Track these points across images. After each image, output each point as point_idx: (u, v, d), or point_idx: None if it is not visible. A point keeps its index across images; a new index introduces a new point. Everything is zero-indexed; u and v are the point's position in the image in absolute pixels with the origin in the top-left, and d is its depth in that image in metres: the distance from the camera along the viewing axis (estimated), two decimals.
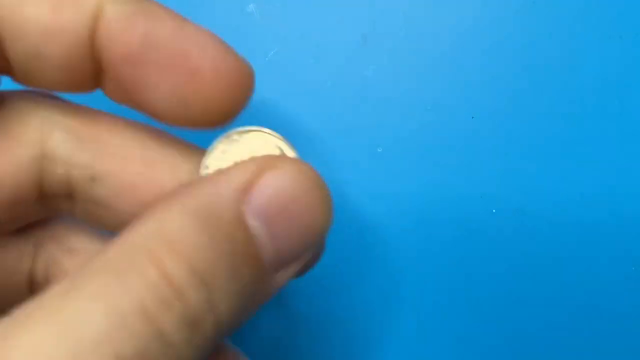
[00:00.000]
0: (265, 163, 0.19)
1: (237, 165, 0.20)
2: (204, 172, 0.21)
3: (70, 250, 0.24)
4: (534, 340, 0.30)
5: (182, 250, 0.17)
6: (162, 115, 0.21)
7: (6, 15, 0.19)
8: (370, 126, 0.31)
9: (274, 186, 0.19)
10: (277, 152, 0.21)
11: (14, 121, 0.22)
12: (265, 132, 0.22)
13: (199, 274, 0.17)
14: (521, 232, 0.30)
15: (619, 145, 0.30)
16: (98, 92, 0.22)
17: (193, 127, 0.21)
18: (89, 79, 0.21)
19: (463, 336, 0.30)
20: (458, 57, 0.31)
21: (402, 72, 0.31)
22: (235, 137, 0.21)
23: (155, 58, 0.20)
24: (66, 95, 0.23)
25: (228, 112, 0.21)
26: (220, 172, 0.19)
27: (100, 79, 0.21)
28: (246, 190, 0.19)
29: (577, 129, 0.31)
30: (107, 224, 0.23)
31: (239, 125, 0.22)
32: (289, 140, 0.21)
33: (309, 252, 0.20)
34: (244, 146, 0.21)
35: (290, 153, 0.21)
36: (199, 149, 0.22)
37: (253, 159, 0.20)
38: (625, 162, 0.30)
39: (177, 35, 0.20)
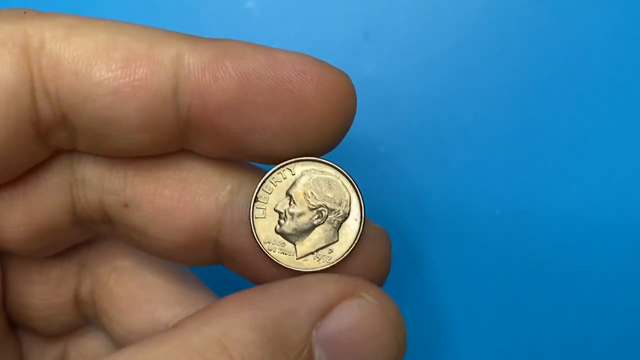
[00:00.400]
0: (347, 288, 0.18)
1: (317, 280, 0.19)
2: (251, 209, 0.20)
3: (115, 269, 0.25)
4: (533, 341, 0.30)
5: None
6: (269, 154, 0.20)
7: (70, 81, 0.18)
8: (372, 125, 0.31)
9: (351, 319, 0.18)
10: (338, 199, 0.20)
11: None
12: (322, 163, 0.20)
13: None
14: (524, 232, 0.30)
15: (625, 144, 0.30)
16: None
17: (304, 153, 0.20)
18: (172, 138, 0.20)
19: (461, 336, 0.30)
20: (460, 55, 0.31)
21: (403, 70, 0.31)
22: (290, 168, 0.20)
23: (256, 97, 0.19)
24: None
25: (340, 132, 0.20)
26: (297, 285, 0.18)
27: (187, 136, 0.20)
28: (321, 315, 0.18)
29: (578, 129, 0.30)
30: (147, 248, 0.22)
31: None
32: (349, 175, 0.20)
33: None
34: (302, 180, 0.20)
35: (354, 201, 0.20)
36: (238, 167, 0.22)
37: (335, 278, 0.19)
38: (631, 162, 0.30)
39: (271, 66, 0.18)
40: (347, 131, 0.20)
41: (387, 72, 0.31)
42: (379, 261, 0.21)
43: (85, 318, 0.26)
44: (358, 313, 0.18)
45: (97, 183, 0.21)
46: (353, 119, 0.20)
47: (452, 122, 0.31)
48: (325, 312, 0.18)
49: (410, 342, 0.20)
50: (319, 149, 0.20)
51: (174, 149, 0.21)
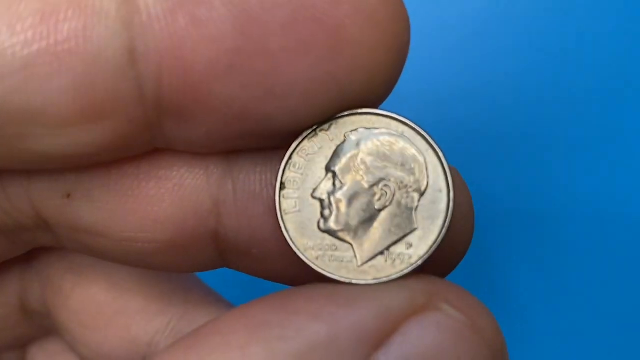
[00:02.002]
0: (417, 297, 0.12)
1: (371, 288, 0.12)
2: (277, 199, 0.13)
3: (71, 268, 0.18)
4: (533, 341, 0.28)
5: None
6: (297, 127, 0.13)
7: None
8: None
9: (424, 344, 0.11)
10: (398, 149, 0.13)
11: None
12: (374, 116, 0.13)
13: None
14: (527, 232, 0.29)
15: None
16: None
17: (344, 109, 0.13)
18: (136, 132, 0.13)
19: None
20: (461, 54, 0.29)
21: (404, 69, 0.30)
22: (326, 130, 0.13)
23: (266, 41, 0.12)
24: None
25: (395, 71, 0.13)
26: (339, 297, 0.12)
27: (160, 126, 0.13)
28: (377, 342, 0.11)
29: (578, 129, 0.29)
30: (112, 256, 0.15)
31: None
32: (420, 127, 0.13)
33: None
34: (348, 146, 0.13)
35: (432, 165, 0.13)
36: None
37: (399, 284, 0.12)
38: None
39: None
40: (402, 70, 0.13)
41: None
42: (463, 240, 0.15)
43: (44, 329, 0.19)
44: (436, 336, 0.11)
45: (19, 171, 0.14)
46: (409, 49, 0.13)
47: (452, 121, 0.29)
48: (383, 338, 0.11)
49: None
50: (368, 101, 0.13)
51: (141, 150, 0.13)
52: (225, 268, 0.16)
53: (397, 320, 0.11)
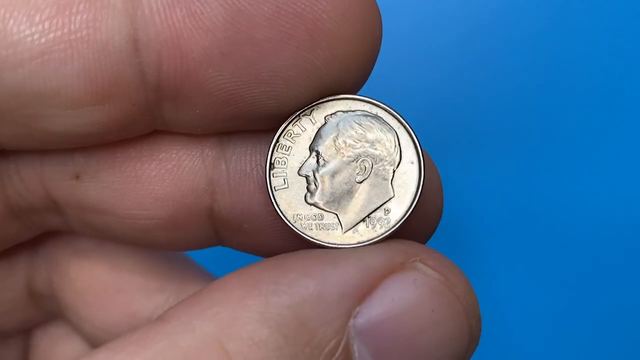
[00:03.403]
0: (395, 257, 0.13)
1: (353, 250, 0.13)
2: (266, 174, 0.15)
3: (76, 252, 0.20)
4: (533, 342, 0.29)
5: None
6: (282, 111, 0.14)
7: None
8: None
9: (402, 301, 0.12)
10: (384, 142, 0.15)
11: None
12: (349, 100, 0.15)
13: None
14: (527, 232, 0.29)
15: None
16: None
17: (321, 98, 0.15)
18: (137, 114, 0.14)
19: None
20: (462, 53, 0.30)
21: (404, 68, 0.30)
22: (309, 114, 0.15)
23: (254, 32, 0.13)
24: None
25: (369, 61, 0.14)
26: (325, 258, 0.13)
27: (159, 108, 0.14)
28: (359, 297, 0.12)
29: (577, 128, 0.30)
30: (115, 234, 0.17)
31: None
32: (391, 107, 0.15)
33: None
34: (328, 127, 0.15)
35: (404, 139, 0.15)
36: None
37: (379, 246, 0.13)
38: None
39: None
40: (375, 60, 0.15)
41: (388, 70, 0.30)
42: (435, 211, 0.16)
43: (49, 312, 0.21)
44: (412, 291, 0.12)
45: (33, 153, 0.16)
46: (380, 42, 0.14)
47: (452, 122, 0.30)
48: (365, 293, 0.12)
49: None
50: (344, 88, 0.15)
51: (143, 131, 0.15)
52: (218, 259, 0.17)
53: (378, 277, 0.13)
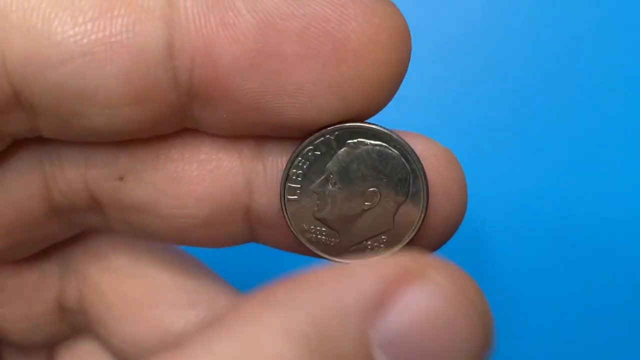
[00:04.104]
0: (408, 268, 0.13)
1: (369, 263, 0.13)
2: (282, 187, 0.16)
3: (108, 268, 0.20)
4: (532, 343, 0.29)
5: None
6: (304, 123, 0.15)
7: (21, 43, 0.13)
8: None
9: (418, 309, 0.13)
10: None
11: None
12: (371, 130, 0.15)
13: None
14: (527, 233, 0.30)
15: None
16: None
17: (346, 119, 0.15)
18: (170, 114, 0.15)
19: None
20: (463, 54, 0.30)
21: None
22: (331, 135, 0.15)
23: (282, 46, 0.14)
24: None
25: (394, 84, 0.15)
26: (342, 272, 0.13)
27: (190, 110, 0.15)
28: (377, 307, 0.12)
29: (576, 128, 0.30)
30: (154, 233, 0.18)
31: None
32: (410, 146, 0.15)
33: None
34: (345, 153, 0.15)
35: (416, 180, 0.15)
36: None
37: (388, 260, 0.13)
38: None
39: (299, 1, 0.14)
40: (400, 84, 0.15)
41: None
42: (453, 215, 0.16)
43: (75, 328, 0.21)
44: (429, 299, 0.13)
45: (78, 153, 0.16)
46: (407, 66, 0.15)
47: (453, 121, 0.30)
48: (382, 303, 0.13)
49: None
50: (367, 109, 0.15)
51: (174, 129, 0.16)
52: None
53: (393, 287, 0.13)
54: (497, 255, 0.30)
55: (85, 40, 0.13)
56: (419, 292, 0.13)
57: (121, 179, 0.16)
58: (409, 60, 0.15)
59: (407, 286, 0.13)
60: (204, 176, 0.16)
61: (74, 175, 0.17)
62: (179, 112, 0.15)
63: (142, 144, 0.16)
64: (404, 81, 0.15)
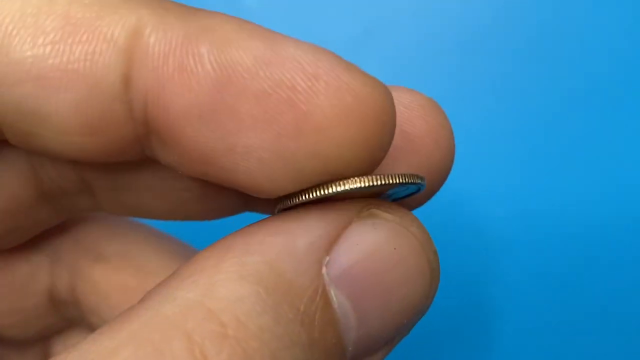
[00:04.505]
0: (352, 209, 0.13)
1: (316, 208, 0.14)
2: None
3: (99, 258, 0.20)
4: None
5: (234, 334, 0.11)
6: (255, 187, 0.14)
7: None
8: None
9: (365, 245, 0.13)
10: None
11: None
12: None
13: None
14: (527, 233, 0.29)
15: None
16: None
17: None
18: (126, 145, 0.14)
19: (469, 340, 0.29)
20: (463, 53, 0.30)
21: (405, 68, 0.30)
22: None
23: (238, 105, 0.13)
24: None
25: (366, 167, 0.13)
26: (293, 218, 0.13)
27: (149, 143, 0.14)
28: (326, 247, 0.13)
29: (576, 130, 0.30)
30: (148, 210, 0.17)
31: None
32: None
33: (402, 336, 0.15)
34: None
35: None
36: None
37: (337, 204, 0.14)
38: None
39: (268, 63, 0.13)
40: (376, 164, 0.14)
41: (388, 70, 0.30)
42: (442, 162, 0.16)
43: (68, 320, 0.21)
44: (373, 234, 0.13)
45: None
46: (386, 151, 0.14)
47: (453, 121, 0.30)
48: (331, 242, 0.13)
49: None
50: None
51: (133, 158, 0.15)
52: None
53: (340, 227, 0.13)
54: (499, 253, 0.30)
55: (42, 64, 0.13)
56: (363, 228, 0.13)
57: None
58: (387, 141, 0.13)
59: (352, 226, 0.13)
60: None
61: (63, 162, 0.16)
62: (137, 143, 0.14)
63: None
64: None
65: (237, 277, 0.12)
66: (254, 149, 0.13)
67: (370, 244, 0.13)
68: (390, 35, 0.31)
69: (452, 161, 0.16)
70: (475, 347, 0.30)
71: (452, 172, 0.29)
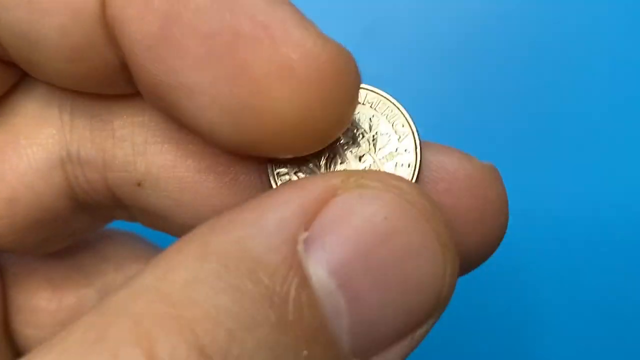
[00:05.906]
0: (335, 180, 0.12)
1: (296, 184, 0.12)
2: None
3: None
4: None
5: (184, 315, 0.10)
6: (211, 134, 0.13)
7: None
8: None
9: (352, 215, 0.11)
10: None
11: (24, 117, 0.16)
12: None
13: None
14: (525, 233, 0.29)
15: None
16: None
17: (260, 153, 0.14)
18: (111, 74, 0.14)
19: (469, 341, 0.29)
20: (463, 53, 0.30)
21: (405, 67, 0.30)
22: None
23: (185, 39, 0.12)
24: None
25: (324, 129, 0.13)
26: (269, 194, 0.12)
27: (129, 73, 0.14)
28: (302, 221, 0.11)
29: (576, 130, 0.30)
30: (176, 233, 0.17)
31: None
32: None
33: (426, 326, 0.12)
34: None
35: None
36: None
37: (315, 177, 0.12)
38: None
39: (222, 3, 0.12)
40: (324, 140, 0.13)
41: (388, 70, 0.30)
42: (487, 244, 0.15)
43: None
44: (359, 204, 0.11)
45: (97, 156, 0.16)
46: (337, 127, 0.13)
47: (453, 121, 0.30)
48: (310, 217, 0.11)
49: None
50: (281, 146, 0.13)
51: (124, 90, 0.15)
52: None
53: (320, 201, 0.12)
54: (499, 252, 0.31)
55: None
56: (347, 199, 0.12)
57: (139, 184, 0.16)
58: (336, 113, 0.13)
59: (337, 198, 0.12)
60: (220, 188, 0.15)
61: (94, 176, 0.16)
62: (120, 73, 0.14)
63: (159, 151, 0.16)
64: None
65: (198, 257, 0.11)
66: (195, 91, 0.12)
67: (355, 215, 0.11)
68: (390, 35, 0.31)
69: (500, 239, 0.15)
70: (475, 346, 0.30)
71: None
